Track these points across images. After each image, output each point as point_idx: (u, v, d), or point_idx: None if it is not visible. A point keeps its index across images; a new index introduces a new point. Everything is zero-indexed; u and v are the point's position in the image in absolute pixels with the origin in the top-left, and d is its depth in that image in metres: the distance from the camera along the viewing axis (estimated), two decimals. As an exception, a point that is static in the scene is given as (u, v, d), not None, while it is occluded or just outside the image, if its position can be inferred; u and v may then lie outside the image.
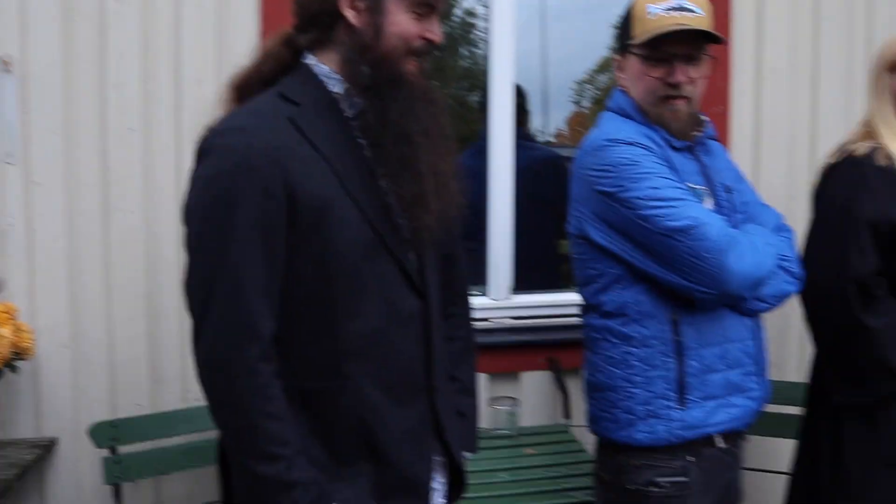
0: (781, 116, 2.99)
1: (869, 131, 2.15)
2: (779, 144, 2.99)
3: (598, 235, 1.90)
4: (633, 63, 1.95)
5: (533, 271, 3.06)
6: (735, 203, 2.01)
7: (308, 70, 1.52)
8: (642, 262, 1.85)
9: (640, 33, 1.91)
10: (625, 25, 1.98)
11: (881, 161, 2.06)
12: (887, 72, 2.11)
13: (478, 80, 3.36)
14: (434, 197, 1.51)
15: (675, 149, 1.94)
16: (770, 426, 2.70)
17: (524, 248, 3.01)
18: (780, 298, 1.96)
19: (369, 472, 1.50)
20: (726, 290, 1.80)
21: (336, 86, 1.51)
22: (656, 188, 1.80)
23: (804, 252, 2.12)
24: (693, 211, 1.80)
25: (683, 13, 1.89)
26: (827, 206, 2.14)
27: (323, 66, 1.51)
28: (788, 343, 2.95)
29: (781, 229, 2.04)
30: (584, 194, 1.93)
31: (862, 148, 2.10)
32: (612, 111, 2.02)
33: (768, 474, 2.77)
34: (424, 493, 1.58)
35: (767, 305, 1.94)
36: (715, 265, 1.77)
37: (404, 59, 1.49)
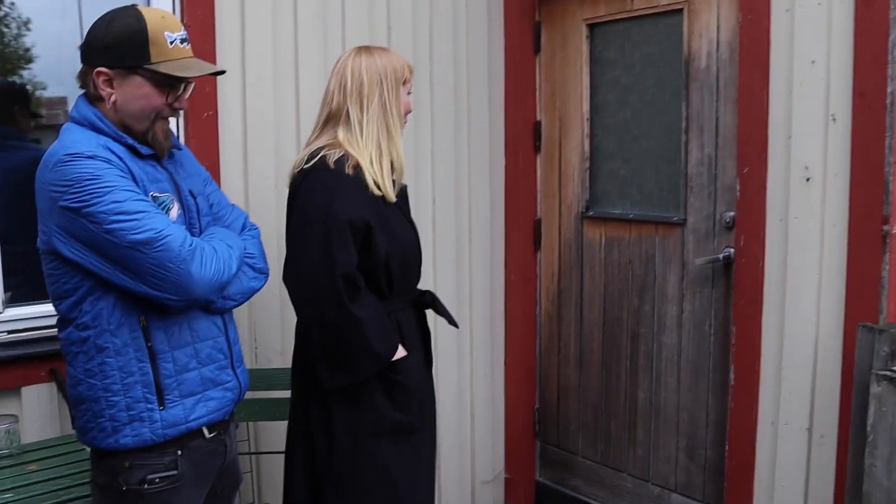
0: (268, 119, 3.13)
1: (335, 142, 2.38)
2: (266, 146, 3.13)
3: (66, 250, 1.89)
4: (138, 82, 1.95)
5: (31, 280, 2.92)
6: (201, 207, 2.13)
7: None
8: (112, 275, 1.88)
9: (162, 60, 1.94)
10: (133, 43, 1.93)
11: (349, 170, 2.31)
12: (403, 86, 2.40)
13: (10, 63, 3.04)
14: None
15: (140, 157, 2.00)
16: (278, 410, 2.92)
17: (18, 257, 2.85)
18: (246, 294, 2.14)
19: None
20: (193, 297, 1.93)
21: None
22: (119, 202, 1.84)
23: (290, 251, 2.31)
24: (156, 223, 1.87)
25: (185, 45, 2.00)
26: (308, 208, 2.31)
27: None
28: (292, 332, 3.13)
29: (247, 228, 2.22)
30: (48, 209, 1.90)
31: (333, 156, 2.33)
32: (76, 122, 1.99)
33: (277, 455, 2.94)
34: None
35: (235, 303, 2.11)
36: (180, 274, 1.88)
37: None
